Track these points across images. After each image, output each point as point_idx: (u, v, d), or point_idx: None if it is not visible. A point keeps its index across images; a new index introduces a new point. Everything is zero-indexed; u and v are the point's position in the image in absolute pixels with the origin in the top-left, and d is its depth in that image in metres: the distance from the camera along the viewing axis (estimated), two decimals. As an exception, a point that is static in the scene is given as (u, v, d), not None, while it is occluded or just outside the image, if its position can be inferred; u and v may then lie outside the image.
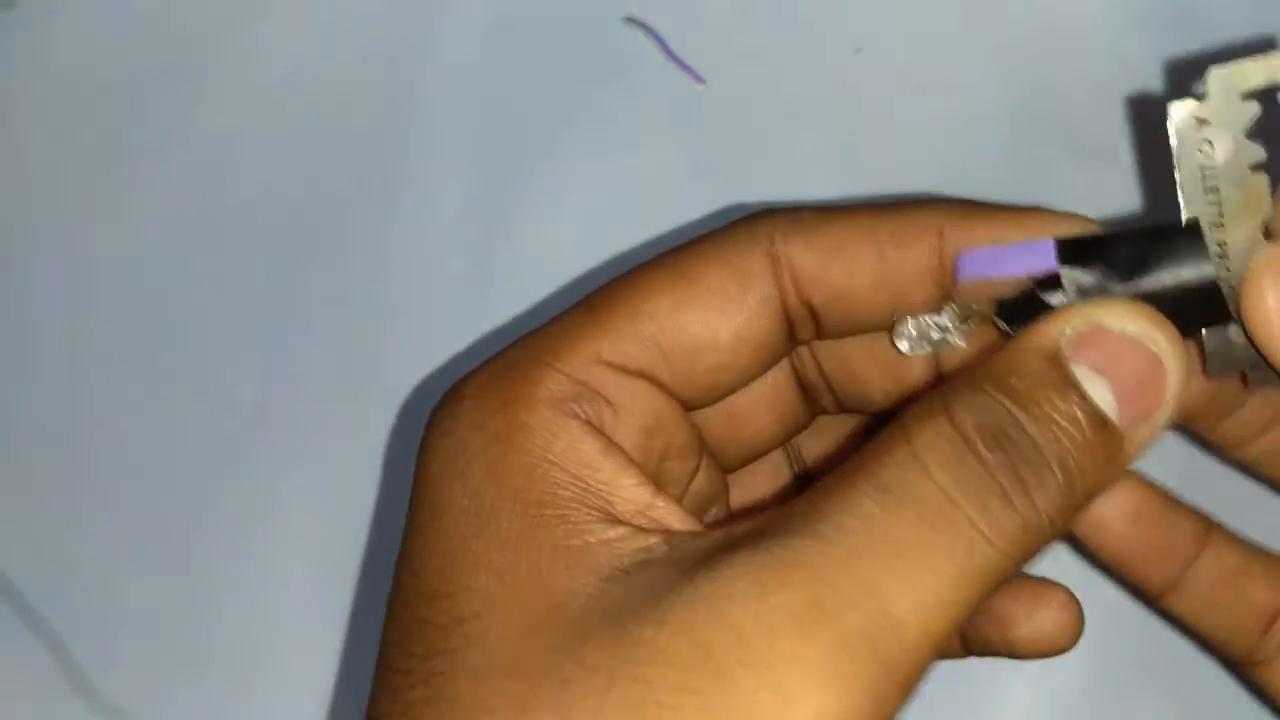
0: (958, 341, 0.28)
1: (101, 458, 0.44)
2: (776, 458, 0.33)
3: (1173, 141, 0.28)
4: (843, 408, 0.32)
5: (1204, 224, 0.28)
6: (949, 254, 0.28)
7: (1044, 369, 0.25)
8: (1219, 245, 0.28)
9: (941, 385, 0.26)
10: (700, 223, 0.43)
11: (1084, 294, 0.27)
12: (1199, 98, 0.28)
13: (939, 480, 0.24)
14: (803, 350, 0.31)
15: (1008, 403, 0.25)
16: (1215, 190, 0.28)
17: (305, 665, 0.42)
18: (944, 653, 0.32)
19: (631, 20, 0.44)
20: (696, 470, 0.30)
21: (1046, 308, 0.27)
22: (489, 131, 0.44)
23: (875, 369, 0.31)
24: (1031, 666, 0.39)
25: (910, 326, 0.29)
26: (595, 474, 0.26)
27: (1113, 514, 0.33)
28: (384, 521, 0.43)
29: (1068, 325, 0.26)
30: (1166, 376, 0.26)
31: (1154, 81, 0.42)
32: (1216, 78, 0.28)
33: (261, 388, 0.44)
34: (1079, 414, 0.25)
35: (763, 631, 0.23)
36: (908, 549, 0.24)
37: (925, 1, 0.43)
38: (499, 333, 0.43)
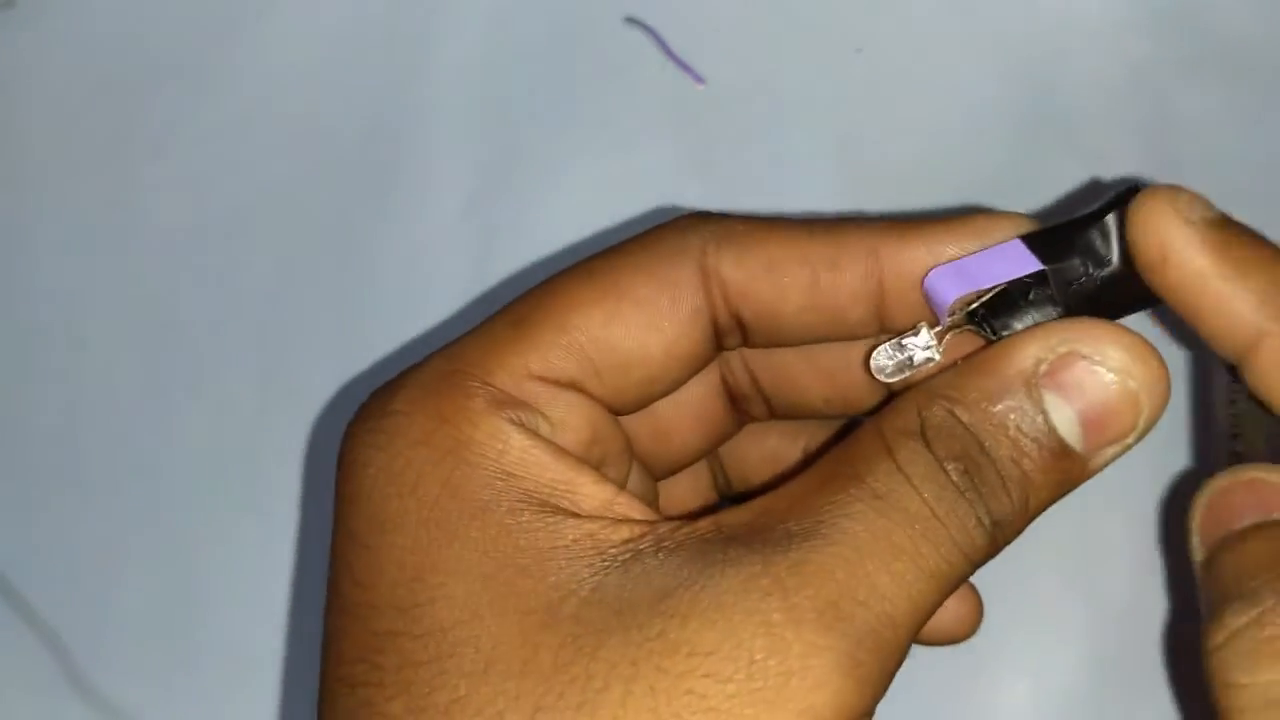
0: (936, 357, 0.28)
1: (101, 457, 0.44)
2: (698, 463, 0.34)
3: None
4: (774, 414, 0.32)
5: (1223, 435, 0.30)
6: (887, 276, 0.28)
7: (1015, 395, 0.26)
8: (1231, 455, 0.30)
9: (924, 392, 0.27)
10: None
11: (1067, 284, 0.27)
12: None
13: (925, 497, 0.26)
14: (733, 361, 0.31)
15: (978, 431, 0.26)
16: (1234, 405, 0.30)
17: (302, 664, 0.42)
18: None
19: (631, 20, 0.44)
20: (628, 475, 0.30)
21: (1026, 304, 0.28)
22: (489, 131, 0.44)
23: (815, 377, 0.31)
24: (1032, 666, 0.39)
25: (887, 358, 0.29)
26: (555, 478, 0.26)
27: None
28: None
29: (1043, 350, 0.26)
30: (1139, 409, 0.26)
31: (1154, 82, 0.42)
32: None
33: (260, 388, 0.44)
34: (1042, 443, 0.26)
35: (790, 625, 0.24)
36: (904, 555, 0.25)
37: (925, 1, 0.43)
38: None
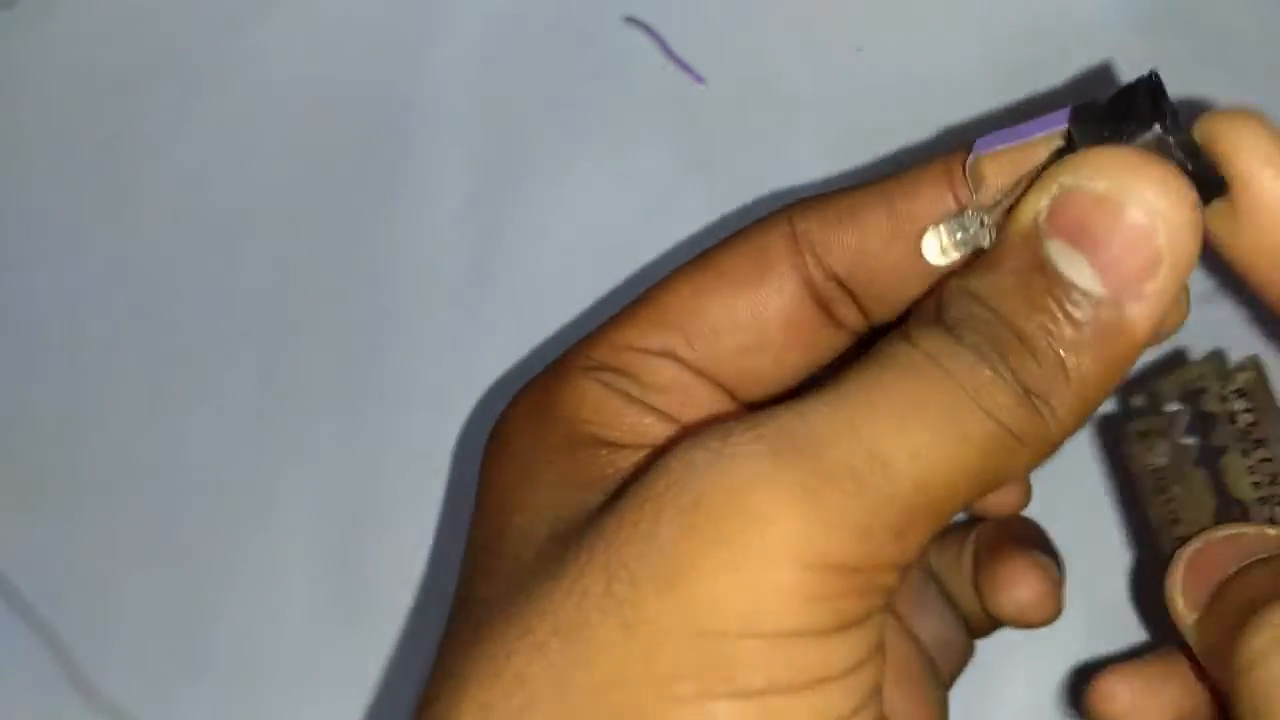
0: (985, 239, 0.26)
1: (101, 458, 0.44)
2: None
3: (1130, 456, 0.31)
4: (870, 319, 0.29)
5: (1162, 524, 0.30)
6: (962, 194, 0.26)
7: (1022, 254, 0.24)
8: (1176, 541, 0.29)
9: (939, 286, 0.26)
10: (700, 224, 0.43)
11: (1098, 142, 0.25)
12: (1138, 413, 0.31)
13: (930, 354, 0.24)
14: (813, 265, 0.29)
15: (987, 298, 0.24)
16: (1166, 490, 0.30)
17: (304, 664, 0.42)
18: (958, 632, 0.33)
19: (631, 20, 0.44)
20: None
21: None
22: (489, 131, 0.44)
23: (897, 263, 0.28)
24: (1031, 665, 0.39)
25: (939, 233, 0.27)
26: (623, 419, 0.27)
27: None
28: (381, 521, 0.43)
29: (1040, 197, 0.24)
30: (1154, 231, 0.23)
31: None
32: (1141, 395, 0.32)
33: (261, 387, 0.44)
34: (1059, 297, 0.23)
35: (737, 458, 0.23)
36: (899, 401, 0.23)
37: (925, 1, 0.44)
38: (502, 335, 0.43)
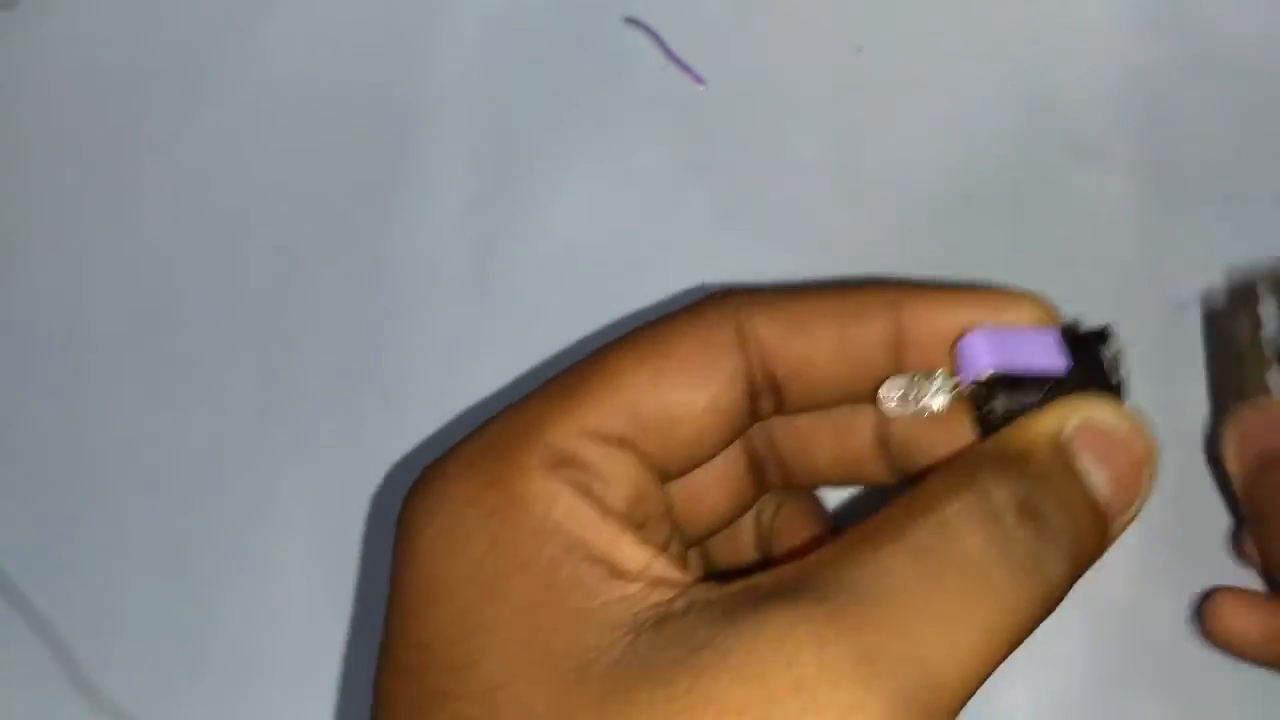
0: (939, 407, 0.30)
1: (101, 458, 0.44)
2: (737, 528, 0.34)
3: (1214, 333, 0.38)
4: (788, 482, 0.33)
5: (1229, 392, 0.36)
6: (908, 327, 0.30)
7: (1055, 455, 0.28)
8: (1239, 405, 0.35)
9: (962, 460, 0.28)
10: (701, 224, 0.43)
11: (1082, 386, 0.30)
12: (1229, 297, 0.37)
13: (974, 546, 0.26)
14: (754, 426, 0.31)
15: (1033, 483, 0.27)
16: (1240, 363, 0.36)
17: (304, 664, 0.42)
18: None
19: (631, 20, 0.44)
20: (669, 539, 0.30)
21: (1043, 386, 0.29)
22: (489, 132, 0.44)
23: (826, 440, 0.32)
24: (1030, 666, 0.39)
25: (897, 391, 0.30)
26: (597, 536, 0.26)
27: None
28: (381, 523, 0.43)
29: (1074, 418, 0.28)
30: (1145, 470, 0.29)
31: (1154, 82, 0.42)
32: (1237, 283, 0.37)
33: (261, 388, 0.44)
34: (1082, 499, 0.28)
35: (825, 679, 0.24)
36: (947, 611, 0.25)
37: (925, 1, 0.44)
38: (496, 342, 0.43)
